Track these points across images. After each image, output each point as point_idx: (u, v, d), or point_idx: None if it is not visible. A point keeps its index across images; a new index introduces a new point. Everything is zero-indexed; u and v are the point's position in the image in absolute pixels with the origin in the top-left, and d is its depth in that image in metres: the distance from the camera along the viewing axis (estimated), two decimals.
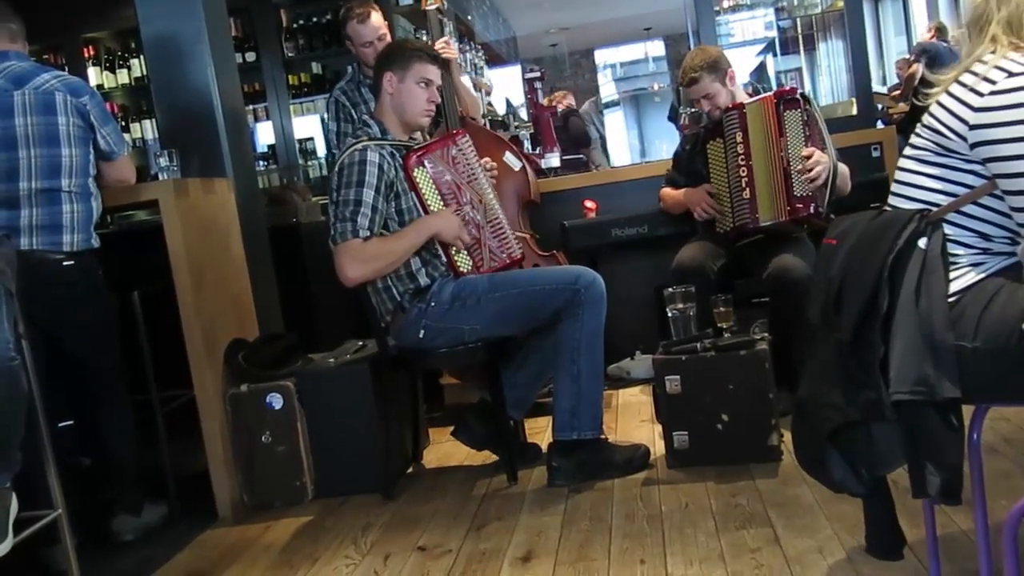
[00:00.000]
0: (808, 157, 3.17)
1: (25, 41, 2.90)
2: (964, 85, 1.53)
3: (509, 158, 3.63)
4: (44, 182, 2.73)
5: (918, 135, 1.63)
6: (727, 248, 3.36)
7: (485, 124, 5.43)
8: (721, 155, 3.37)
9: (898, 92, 8.00)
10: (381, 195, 2.80)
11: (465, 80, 3.87)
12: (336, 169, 2.85)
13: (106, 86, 6.29)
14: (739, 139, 3.29)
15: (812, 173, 3.15)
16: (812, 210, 3.19)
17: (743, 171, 3.28)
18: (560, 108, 7.20)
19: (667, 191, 3.67)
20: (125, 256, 3.07)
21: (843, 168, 3.28)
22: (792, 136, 3.22)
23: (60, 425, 2.89)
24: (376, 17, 3.62)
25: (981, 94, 1.49)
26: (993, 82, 1.49)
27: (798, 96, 3.27)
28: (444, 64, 3.59)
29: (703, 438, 2.81)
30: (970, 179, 1.55)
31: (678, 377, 2.82)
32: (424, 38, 5.23)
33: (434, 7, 3.76)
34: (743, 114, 3.28)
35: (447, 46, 3.67)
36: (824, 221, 3.19)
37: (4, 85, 2.74)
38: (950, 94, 1.55)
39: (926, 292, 1.49)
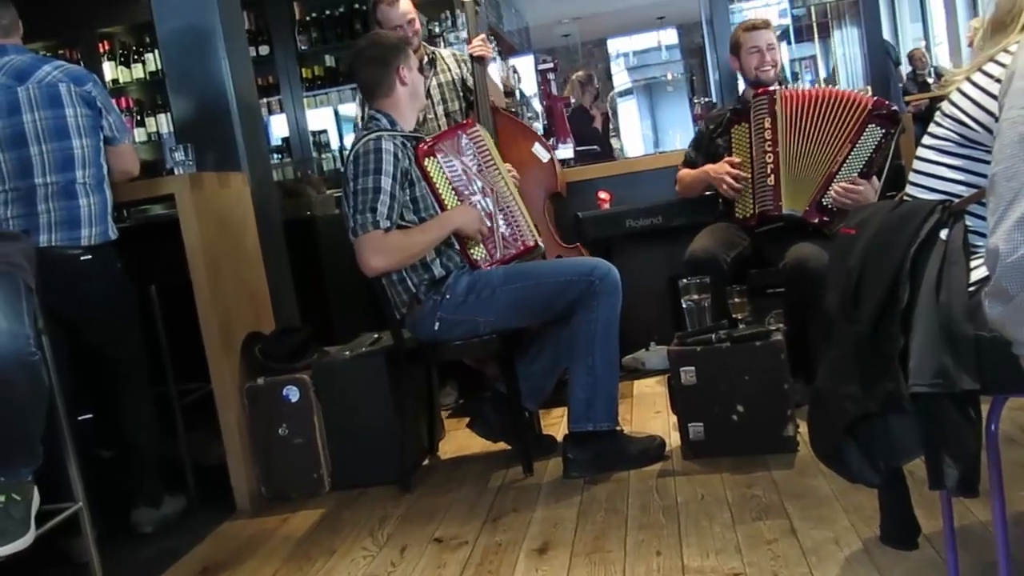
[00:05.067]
0: (854, 184, 3.13)
1: (20, 31, 2.86)
2: (990, 76, 1.51)
3: (538, 149, 3.63)
4: (59, 176, 2.73)
5: (939, 124, 1.61)
6: (746, 234, 3.34)
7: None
8: (746, 139, 3.34)
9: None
10: (397, 183, 2.81)
11: (492, 71, 3.89)
12: (351, 158, 2.85)
13: (121, 80, 6.33)
14: (767, 124, 3.26)
15: (843, 200, 3.13)
16: (823, 222, 3.20)
17: (769, 157, 3.26)
18: (585, 104, 7.18)
19: (685, 171, 3.61)
20: (142, 250, 3.09)
21: (876, 185, 3.24)
22: (859, 151, 3.15)
23: (80, 418, 2.91)
24: (405, 2, 3.66)
25: None
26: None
27: (888, 112, 3.13)
28: (481, 60, 3.62)
29: (718, 429, 2.81)
30: None
31: (693, 368, 2.82)
32: (455, 31, 5.25)
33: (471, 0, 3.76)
34: (773, 100, 3.26)
35: (484, 44, 3.68)
36: (832, 233, 3.19)
37: (6, 82, 2.72)
38: (974, 84, 1.53)
39: (947, 284, 1.47)
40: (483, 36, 3.71)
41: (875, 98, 3.25)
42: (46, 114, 2.73)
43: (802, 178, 3.23)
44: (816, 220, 3.21)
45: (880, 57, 5.35)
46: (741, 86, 4.04)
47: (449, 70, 3.82)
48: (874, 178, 3.19)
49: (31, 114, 2.72)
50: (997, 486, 1.56)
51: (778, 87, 3.34)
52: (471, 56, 3.68)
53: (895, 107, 3.25)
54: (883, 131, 3.13)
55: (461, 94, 3.80)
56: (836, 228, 3.16)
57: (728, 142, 3.41)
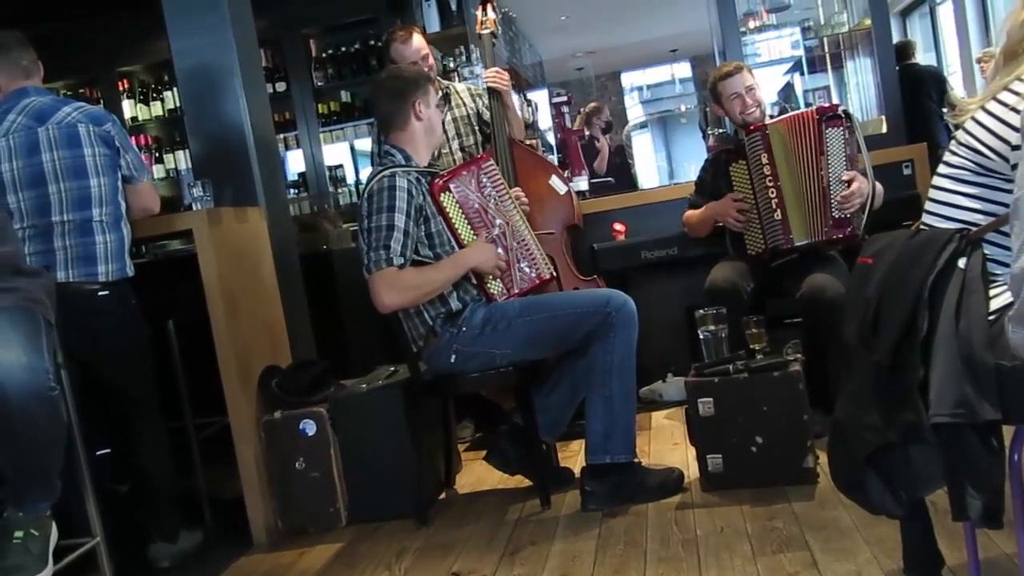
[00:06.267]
0: (849, 182, 3.15)
1: (40, 72, 2.92)
2: (1004, 104, 1.52)
3: (555, 182, 3.63)
4: (75, 214, 2.76)
5: (954, 153, 1.61)
6: (760, 269, 3.34)
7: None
8: (745, 177, 3.35)
9: None
10: (411, 219, 2.81)
11: (515, 101, 3.89)
12: (365, 196, 2.87)
13: (140, 118, 6.41)
14: (765, 160, 3.27)
15: (849, 201, 3.15)
16: (848, 233, 3.19)
17: (772, 192, 3.27)
18: (597, 137, 7.25)
19: (690, 213, 3.63)
20: (160, 285, 3.11)
21: (879, 188, 3.26)
22: (833, 155, 3.19)
23: (98, 453, 2.92)
24: (418, 38, 3.68)
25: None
26: None
27: (840, 113, 3.22)
28: (496, 92, 3.64)
29: (737, 461, 2.79)
30: (1010, 198, 1.53)
31: (711, 399, 2.81)
32: (470, 66, 5.29)
33: (488, 31, 3.77)
34: (766, 135, 3.27)
35: (499, 75, 3.67)
36: (860, 241, 3.18)
37: (27, 122, 2.77)
38: (988, 112, 1.54)
39: (966, 313, 1.47)
40: (498, 68, 3.71)
41: (816, 107, 3.36)
42: (64, 154, 2.77)
43: (805, 205, 3.23)
44: (842, 235, 3.20)
45: (892, 88, 5.34)
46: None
47: (464, 104, 3.84)
48: (867, 166, 3.20)
49: (50, 154, 2.76)
50: (1022, 517, 1.54)
51: (769, 121, 3.34)
52: (487, 88, 3.69)
53: (838, 104, 3.37)
54: (841, 128, 3.19)
55: (476, 128, 3.82)
56: (864, 237, 3.16)
57: (729, 182, 3.42)
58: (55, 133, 2.77)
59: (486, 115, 3.75)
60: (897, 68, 6.71)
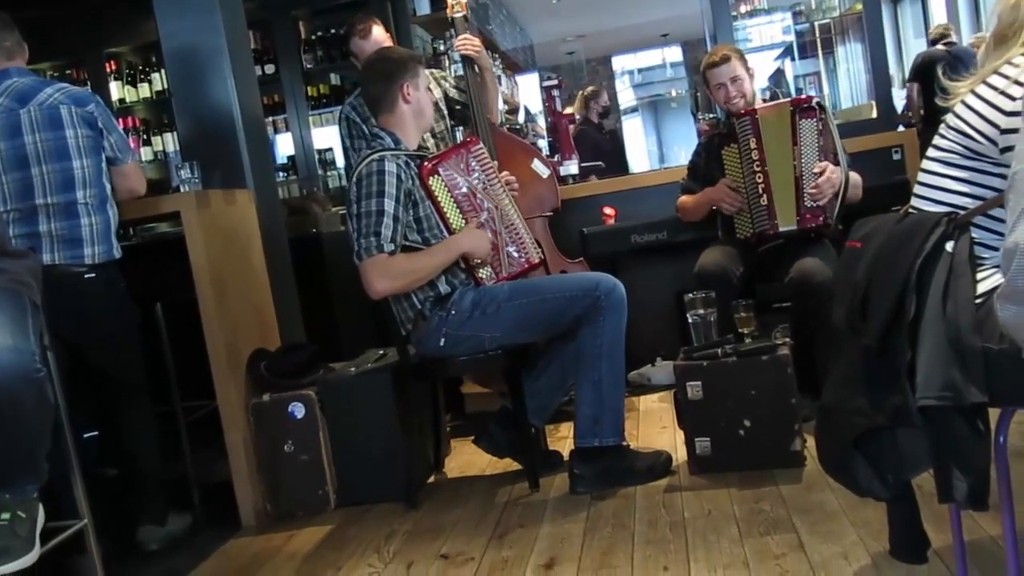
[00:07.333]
0: (820, 173, 3.18)
1: (24, 54, 2.89)
2: (994, 88, 1.52)
3: (537, 165, 3.62)
4: (59, 196, 2.74)
5: (943, 136, 1.61)
6: (749, 254, 3.35)
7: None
8: (736, 161, 3.36)
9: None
10: (400, 204, 2.80)
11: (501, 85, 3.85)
12: (354, 180, 2.85)
13: (128, 100, 6.37)
14: (753, 145, 3.28)
15: (820, 191, 3.18)
16: (820, 222, 3.23)
17: (759, 177, 3.28)
18: (595, 118, 7.24)
19: (685, 198, 3.63)
20: (148, 268, 3.09)
21: (855, 177, 3.28)
22: (806, 146, 3.22)
23: (85, 436, 2.91)
24: (377, 31, 3.64)
25: (1013, 98, 1.48)
26: None
27: (814, 105, 3.25)
28: (468, 61, 3.60)
29: (725, 444, 2.80)
30: (998, 182, 1.53)
31: (699, 383, 2.81)
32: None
33: (460, 15, 3.75)
34: (755, 120, 3.27)
35: (468, 40, 3.59)
36: (834, 232, 3.20)
37: (9, 104, 2.74)
38: (978, 96, 1.54)
39: (953, 296, 1.47)
40: (467, 35, 3.62)
41: (790, 99, 3.42)
42: (46, 136, 2.74)
43: (785, 192, 3.25)
44: (813, 224, 3.23)
45: (883, 72, 5.34)
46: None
47: (431, 91, 3.79)
48: (841, 157, 3.22)
49: (32, 136, 2.73)
50: (1007, 499, 1.55)
51: (759, 107, 3.35)
52: (461, 56, 3.63)
53: (812, 96, 3.40)
54: (814, 120, 3.22)
55: (445, 113, 3.77)
56: (837, 226, 3.19)
57: (722, 166, 3.43)
58: (37, 115, 2.74)
59: (452, 93, 3.71)
60: (946, 50, 6.65)
